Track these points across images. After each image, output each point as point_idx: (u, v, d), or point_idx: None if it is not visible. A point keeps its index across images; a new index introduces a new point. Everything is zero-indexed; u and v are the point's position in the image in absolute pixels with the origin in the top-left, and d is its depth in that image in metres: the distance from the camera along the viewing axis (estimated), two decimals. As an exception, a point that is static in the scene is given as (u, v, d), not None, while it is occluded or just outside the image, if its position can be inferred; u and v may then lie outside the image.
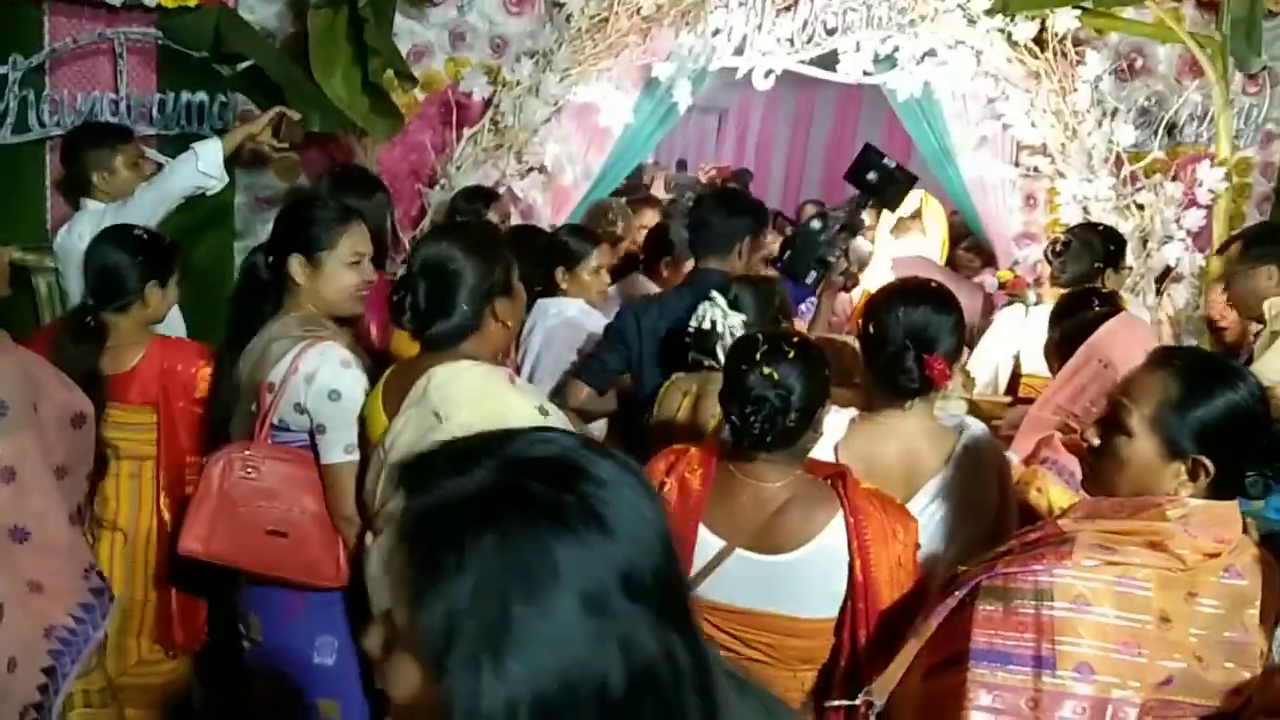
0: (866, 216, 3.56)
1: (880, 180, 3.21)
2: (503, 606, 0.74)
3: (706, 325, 2.47)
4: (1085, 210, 4.35)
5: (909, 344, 1.99)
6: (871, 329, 2.06)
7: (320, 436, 2.10)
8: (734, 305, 2.50)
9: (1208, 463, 1.51)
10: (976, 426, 2.12)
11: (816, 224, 3.32)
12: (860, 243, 3.73)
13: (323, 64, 3.32)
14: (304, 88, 3.37)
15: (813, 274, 3.25)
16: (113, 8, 3.66)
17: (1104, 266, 3.33)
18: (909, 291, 2.11)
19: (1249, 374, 1.57)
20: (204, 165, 3.14)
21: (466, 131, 3.97)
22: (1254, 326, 2.93)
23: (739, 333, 2.42)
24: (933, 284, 2.14)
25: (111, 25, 3.72)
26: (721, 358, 2.42)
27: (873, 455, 2.02)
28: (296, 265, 2.22)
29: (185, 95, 3.79)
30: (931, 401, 2.08)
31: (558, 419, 1.98)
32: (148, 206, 3.09)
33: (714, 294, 2.48)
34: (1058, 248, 3.39)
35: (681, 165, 9.59)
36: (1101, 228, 3.68)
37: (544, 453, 0.83)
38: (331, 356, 2.11)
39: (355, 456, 2.11)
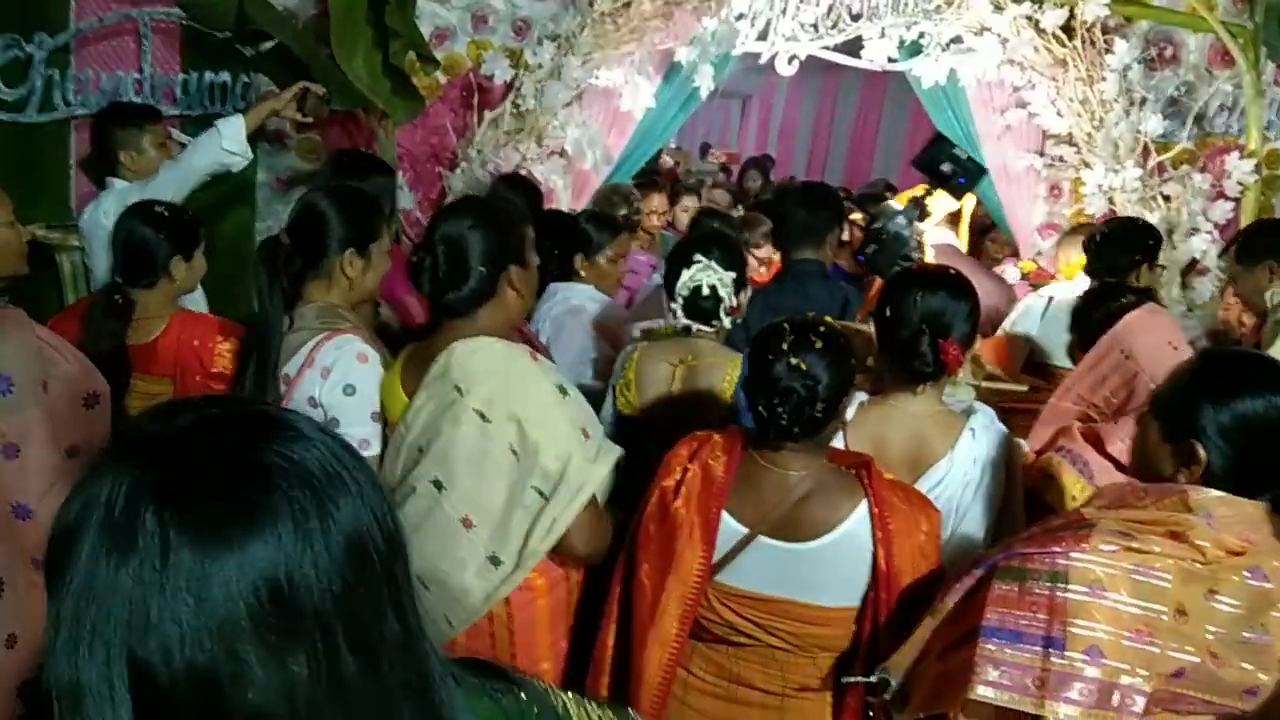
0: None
1: (954, 171, 3.31)
2: None
3: (706, 290, 2.44)
4: (1110, 201, 4.30)
5: (925, 328, 2.02)
6: (888, 312, 2.08)
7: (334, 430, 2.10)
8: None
9: (1200, 449, 1.51)
10: (984, 412, 2.14)
11: (902, 220, 3.42)
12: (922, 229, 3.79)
13: (344, 45, 3.32)
14: (326, 68, 3.37)
15: (896, 270, 3.34)
16: (137, -13, 3.68)
17: (1141, 261, 3.30)
18: (927, 277, 2.14)
19: None
20: (227, 143, 3.13)
21: (488, 115, 3.97)
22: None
23: (732, 291, 2.44)
24: (950, 270, 2.16)
25: (136, 5, 3.74)
26: (725, 320, 2.45)
27: (881, 438, 2.03)
28: (348, 261, 2.20)
29: (209, 75, 3.81)
30: (941, 387, 2.10)
31: (575, 399, 1.98)
32: (173, 184, 3.09)
33: (698, 257, 2.45)
34: (1098, 238, 3.35)
35: (704, 149, 9.55)
36: (1141, 223, 3.64)
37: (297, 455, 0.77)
38: (349, 350, 2.09)
39: (370, 452, 2.10)
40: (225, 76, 3.82)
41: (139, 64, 3.78)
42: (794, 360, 1.77)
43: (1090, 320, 2.61)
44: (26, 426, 1.85)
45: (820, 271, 3.09)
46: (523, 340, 2.19)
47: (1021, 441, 2.34)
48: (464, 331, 1.99)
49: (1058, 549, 1.46)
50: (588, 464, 1.92)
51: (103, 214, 3.12)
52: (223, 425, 0.77)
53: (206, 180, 3.22)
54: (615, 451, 2.00)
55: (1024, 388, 3.10)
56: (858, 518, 1.78)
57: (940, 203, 3.71)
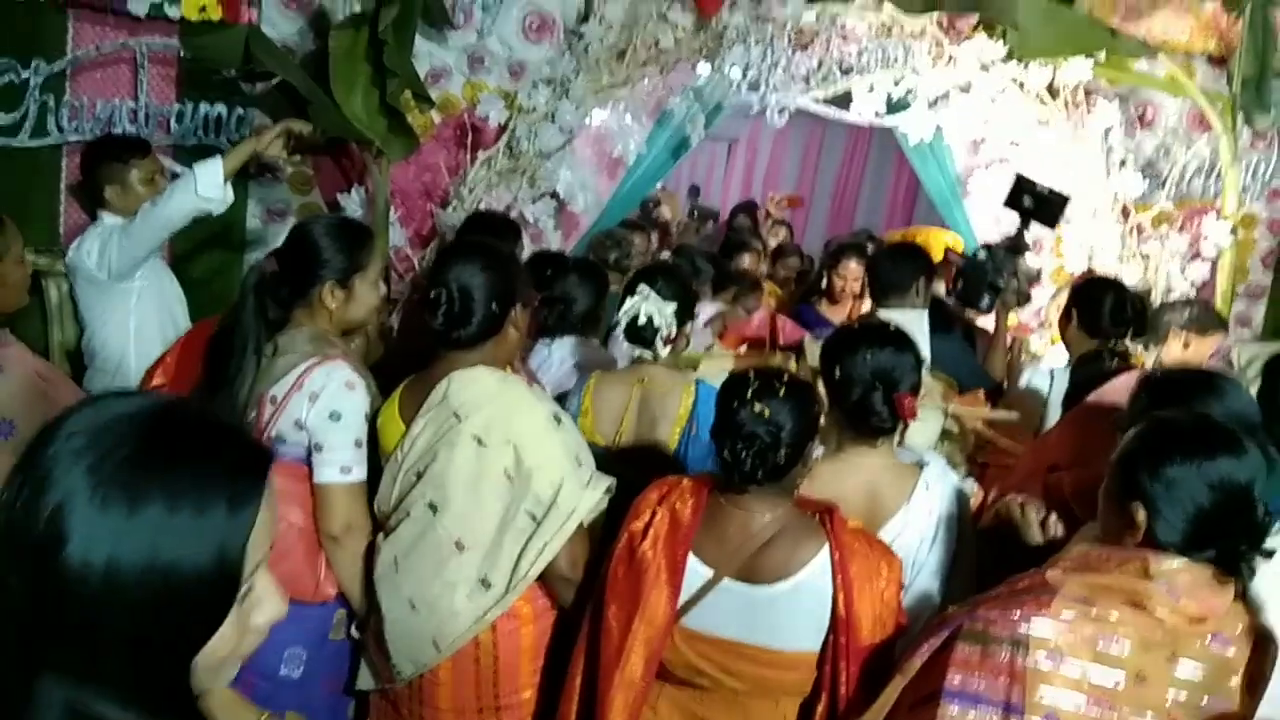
0: (1028, 238, 3.89)
1: (1037, 204, 3.54)
2: None
3: (643, 319, 2.52)
4: (1090, 258, 4.39)
5: (877, 384, 2.09)
6: (838, 373, 2.15)
7: (316, 455, 2.12)
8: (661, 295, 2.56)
9: (1138, 512, 1.55)
10: (935, 463, 2.19)
11: (982, 254, 3.64)
12: (1029, 260, 4.01)
13: (343, 83, 3.35)
14: (324, 105, 3.40)
15: (986, 299, 3.58)
16: (136, 18, 3.70)
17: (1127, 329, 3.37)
18: (872, 335, 2.22)
19: (1243, 450, 1.57)
20: (203, 189, 3.06)
21: (481, 154, 4.00)
22: None
23: (672, 320, 2.52)
24: (890, 326, 2.25)
25: (134, 35, 3.75)
26: (661, 349, 2.53)
27: (838, 493, 2.06)
28: (329, 291, 2.23)
29: (204, 107, 3.81)
30: (895, 440, 2.17)
31: (568, 427, 2.07)
32: (149, 235, 3.06)
33: (642, 287, 2.54)
34: (1083, 307, 3.42)
35: (694, 191, 9.64)
36: (1135, 290, 3.73)
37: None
38: (337, 376, 2.13)
39: (352, 478, 2.13)
40: (221, 108, 3.82)
41: (135, 93, 3.79)
42: (758, 407, 1.82)
43: (1074, 381, 2.67)
44: None
45: None
46: (522, 372, 2.26)
47: (971, 484, 2.39)
48: (463, 363, 2.06)
49: (1019, 614, 1.50)
50: (580, 490, 1.98)
51: (85, 253, 3.12)
52: None
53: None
54: (606, 480, 2.05)
55: (1014, 415, 3.15)
56: (819, 563, 1.82)
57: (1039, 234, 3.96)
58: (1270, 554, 1.55)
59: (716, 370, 3.45)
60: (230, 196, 3.20)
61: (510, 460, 1.97)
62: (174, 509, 0.82)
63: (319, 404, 2.10)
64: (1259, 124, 4.39)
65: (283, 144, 3.35)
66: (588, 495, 1.99)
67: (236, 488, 0.87)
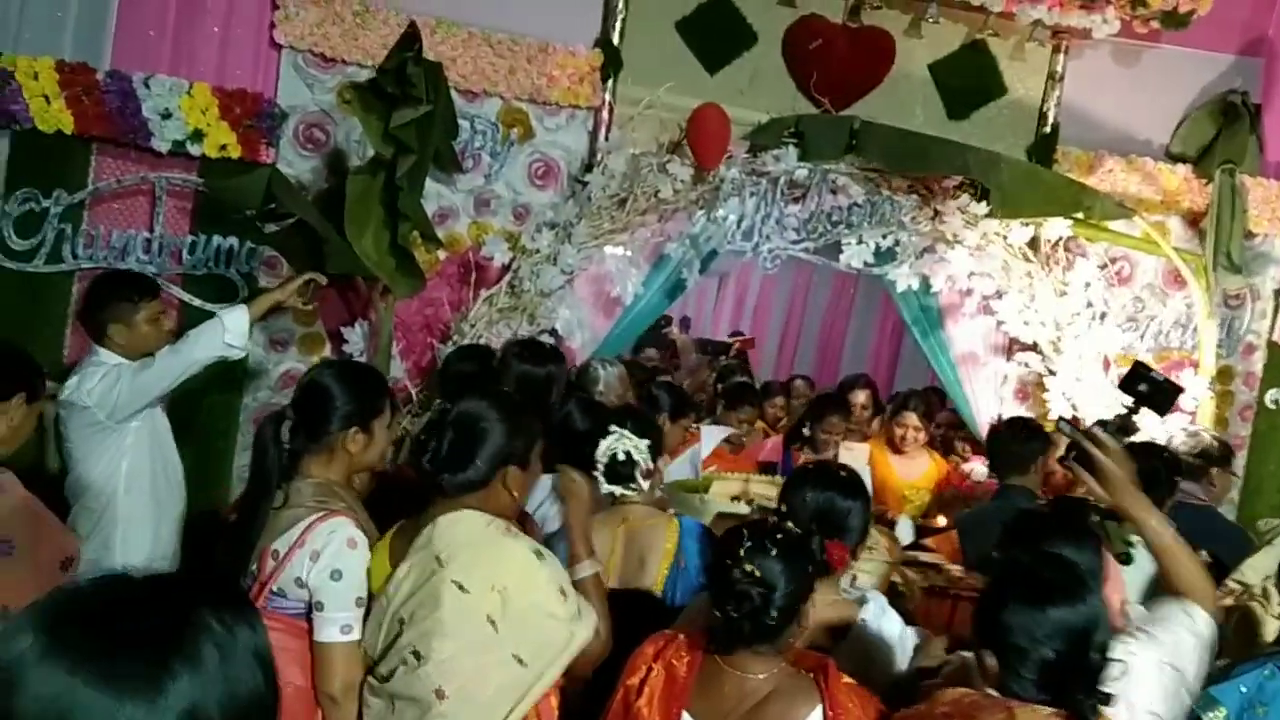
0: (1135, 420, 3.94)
1: (1150, 390, 3.71)
2: None
3: (621, 456, 2.57)
4: (1074, 408, 4.49)
5: (814, 527, 2.12)
6: (783, 508, 2.23)
7: (317, 613, 2.11)
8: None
9: (987, 656, 1.65)
10: (875, 601, 2.24)
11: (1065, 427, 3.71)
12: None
13: (356, 224, 3.47)
14: (336, 244, 3.52)
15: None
16: (158, 154, 3.85)
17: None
18: (820, 475, 2.28)
19: (1080, 599, 1.66)
20: (230, 337, 3.10)
21: (484, 292, 4.12)
22: None
23: (648, 455, 2.58)
24: (843, 470, 2.31)
25: (155, 169, 3.90)
26: (642, 482, 2.57)
27: None
28: (351, 437, 2.26)
29: (217, 239, 3.93)
30: (839, 578, 2.23)
31: (551, 560, 2.06)
32: (170, 373, 3.05)
33: (614, 428, 2.60)
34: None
35: (685, 323, 9.84)
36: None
37: None
38: (340, 535, 2.13)
39: (352, 637, 2.11)
40: (233, 241, 3.94)
41: (151, 224, 3.91)
42: (749, 566, 1.84)
43: None
44: (21, 587, 1.91)
45: (1028, 494, 3.62)
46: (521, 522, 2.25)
47: (912, 634, 2.40)
48: (451, 508, 2.07)
49: None
50: (568, 622, 1.98)
51: (85, 393, 3.02)
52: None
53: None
54: (592, 616, 2.05)
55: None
56: None
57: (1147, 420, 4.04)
58: (1106, 700, 1.59)
59: (728, 494, 3.52)
60: (250, 347, 3.23)
61: (495, 606, 1.96)
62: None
63: (321, 562, 2.10)
64: (1230, 285, 4.58)
65: (299, 294, 3.43)
66: (578, 635, 1.99)
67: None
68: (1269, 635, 2.82)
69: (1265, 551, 3.09)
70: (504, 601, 1.95)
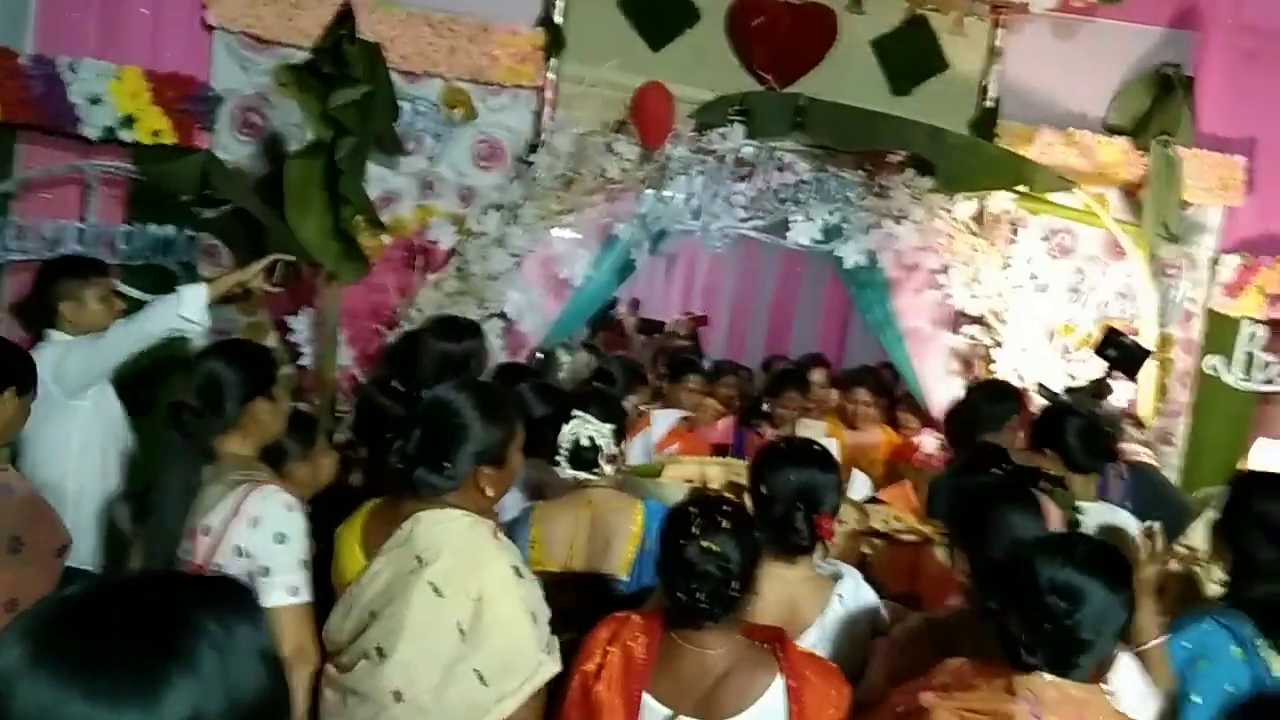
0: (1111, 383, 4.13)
1: (1121, 355, 3.75)
2: None
3: (585, 442, 2.56)
4: (1020, 378, 4.55)
5: (799, 504, 2.17)
6: (763, 489, 2.22)
7: (263, 579, 2.10)
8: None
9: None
10: (850, 576, 2.27)
11: (1065, 398, 3.84)
12: (1110, 404, 4.22)
13: (297, 209, 3.41)
14: (277, 230, 3.45)
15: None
16: (88, 141, 3.74)
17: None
18: (798, 453, 2.30)
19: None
20: (185, 310, 3.08)
21: (431, 277, 4.06)
22: None
23: (612, 440, 2.57)
24: (815, 446, 2.34)
25: (85, 157, 3.79)
26: (605, 467, 2.56)
27: (758, 603, 2.08)
28: (259, 405, 2.32)
29: (152, 228, 3.83)
30: (813, 554, 2.24)
31: (529, 581, 1.99)
32: (123, 344, 3.06)
33: (577, 413, 2.59)
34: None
35: (634, 304, 9.81)
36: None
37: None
38: (276, 500, 2.16)
39: (300, 599, 2.11)
40: (170, 230, 3.84)
41: (82, 213, 3.80)
42: (705, 543, 1.85)
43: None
44: (29, 582, 2.05)
45: (1000, 452, 3.49)
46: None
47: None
48: (432, 505, 1.99)
49: None
50: (537, 652, 1.91)
51: (40, 367, 2.98)
52: None
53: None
54: (555, 647, 1.98)
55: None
56: (773, 694, 1.83)
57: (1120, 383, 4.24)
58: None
59: (682, 476, 3.52)
60: (208, 322, 3.19)
61: (467, 615, 1.89)
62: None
63: (262, 527, 2.11)
64: (1166, 254, 4.67)
65: (265, 276, 3.40)
66: (546, 665, 1.91)
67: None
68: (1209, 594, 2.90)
69: (1205, 518, 3.16)
70: (476, 612, 1.90)
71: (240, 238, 3.61)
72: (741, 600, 1.87)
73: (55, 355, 3.02)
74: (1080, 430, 3.07)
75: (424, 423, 2.03)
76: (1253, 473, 2.59)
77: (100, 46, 3.82)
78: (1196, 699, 2.12)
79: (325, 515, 2.27)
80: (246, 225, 3.53)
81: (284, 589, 2.10)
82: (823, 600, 2.19)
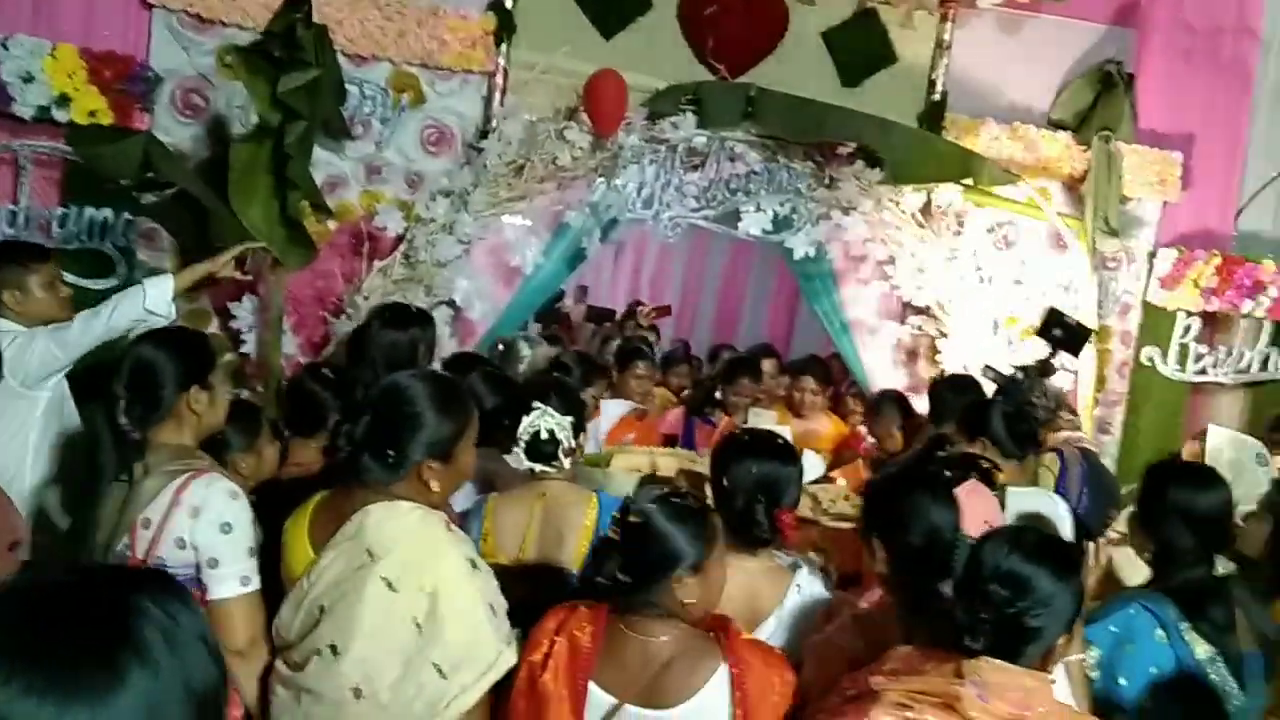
0: (1054, 362, 4.20)
1: (1064, 334, 3.79)
2: None
3: (544, 434, 2.54)
4: (965, 368, 4.62)
5: (760, 497, 2.17)
6: (725, 482, 2.23)
7: (211, 570, 2.06)
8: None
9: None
10: (805, 567, 2.28)
11: (1019, 376, 3.92)
12: (1054, 383, 4.26)
13: (243, 194, 3.34)
14: (222, 215, 3.37)
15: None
16: (20, 120, 3.62)
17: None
18: (759, 445, 2.30)
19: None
20: (150, 303, 3.03)
21: (378, 263, 4.01)
22: None
23: (570, 433, 2.56)
24: (777, 439, 2.34)
25: (17, 136, 3.67)
26: (563, 460, 2.55)
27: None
28: (195, 395, 2.24)
29: (89, 211, 3.72)
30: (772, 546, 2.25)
31: (484, 573, 1.96)
32: (86, 338, 2.97)
33: (537, 405, 2.57)
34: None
35: (582, 291, 9.77)
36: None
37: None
38: (218, 488, 2.10)
39: (251, 588, 2.08)
40: (108, 213, 3.73)
41: (15, 196, 3.68)
42: (662, 528, 1.85)
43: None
44: None
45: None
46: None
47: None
48: (380, 497, 1.95)
49: None
50: (495, 643, 1.89)
51: None
52: None
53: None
54: (513, 637, 1.96)
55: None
56: (717, 681, 1.83)
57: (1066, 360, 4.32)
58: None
59: (631, 467, 3.51)
60: (174, 313, 3.12)
61: (423, 609, 1.86)
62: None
63: (205, 517, 2.05)
64: (1106, 248, 4.77)
65: (236, 265, 3.34)
66: (505, 655, 1.89)
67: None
68: (1135, 580, 2.97)
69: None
70: (431, 605, 1.87)
71: (183, 222, 3.52)
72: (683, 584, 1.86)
73: (12, 347, 2.90)
74: (1006, 417, 3.13)
75: (375, 409, 1.98)
76: (1166, 463, 2.65)
77: (33, 23, 3.70)
78: (1123, 681, 2.19)
79: (269, 505, 2.23)
80: (189, 209, 3.43)
81: (235, 579, 2.07)
82: (781, 590, 2.20)
